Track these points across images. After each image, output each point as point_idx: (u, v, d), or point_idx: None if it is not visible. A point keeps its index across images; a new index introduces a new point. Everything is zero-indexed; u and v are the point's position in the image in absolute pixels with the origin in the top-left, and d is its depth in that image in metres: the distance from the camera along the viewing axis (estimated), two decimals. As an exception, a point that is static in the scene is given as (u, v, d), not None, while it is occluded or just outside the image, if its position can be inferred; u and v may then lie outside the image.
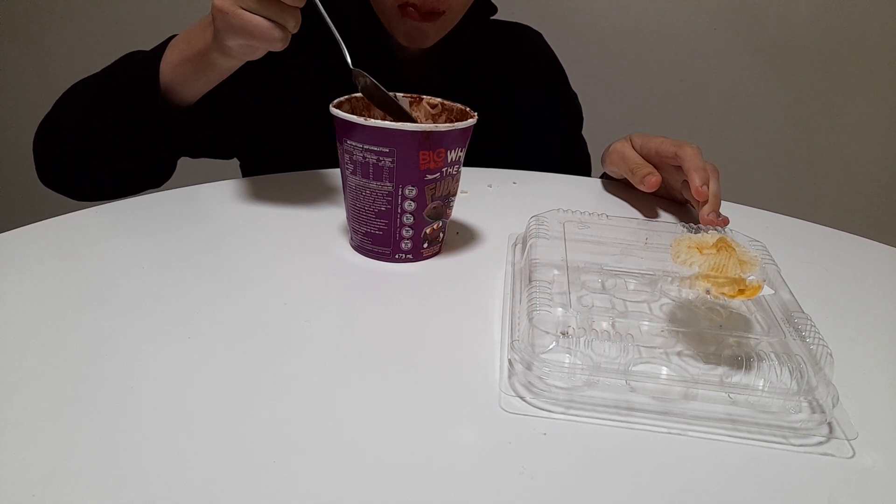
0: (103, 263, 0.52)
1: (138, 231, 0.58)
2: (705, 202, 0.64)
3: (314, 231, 0.60)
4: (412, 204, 0.53)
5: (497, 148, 0.80)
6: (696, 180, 0.64)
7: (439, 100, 0.60)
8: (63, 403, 0.37)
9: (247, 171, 0.88)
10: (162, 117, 0.64)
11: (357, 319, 0.48)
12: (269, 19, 0.54)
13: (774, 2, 1.38)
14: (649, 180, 0.69)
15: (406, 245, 0.55)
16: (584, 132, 0.98)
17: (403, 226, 0.54)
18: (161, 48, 0.64)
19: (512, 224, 0.62)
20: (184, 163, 0.73)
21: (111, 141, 0.66)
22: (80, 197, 0.71)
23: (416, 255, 0.56)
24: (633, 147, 0.75)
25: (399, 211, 0.53)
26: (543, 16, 1.05)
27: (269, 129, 0.81)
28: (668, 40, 1.44)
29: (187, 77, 0.63)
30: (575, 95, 0.97)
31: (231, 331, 0.45)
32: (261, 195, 0.67)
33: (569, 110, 0.96)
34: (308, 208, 0.65)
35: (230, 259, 0.55)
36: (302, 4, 0.54)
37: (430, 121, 0.61)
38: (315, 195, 0.68)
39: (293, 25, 0.55)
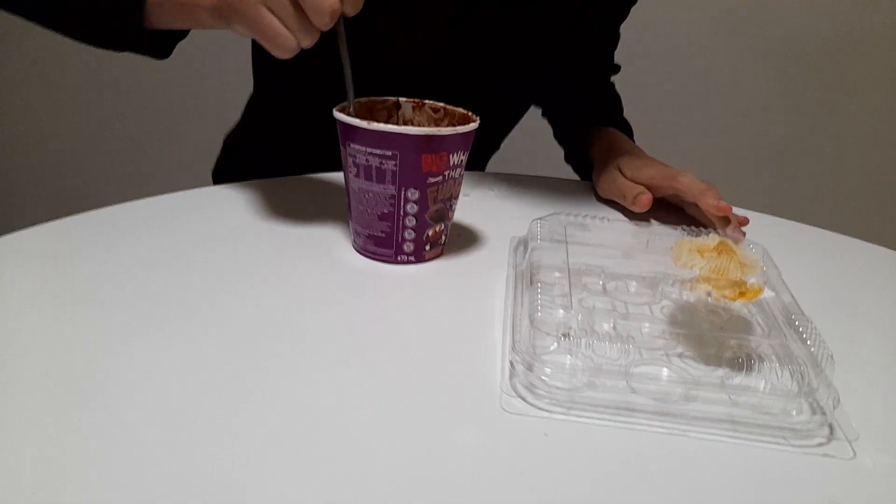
0: (103, 265, 0.52)
1: (139, 233, 0.58)
2: (725, 217, 0.63)
3: (317, 233, 0.61)
4: (415, 207, 0.53)
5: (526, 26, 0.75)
6: (710, 199, 0.64)
7: (442, 104, 0.61)
8: (63, 404, 0.37)
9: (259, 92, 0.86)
10: (140, 32, 0.59)
11: (359, 321, 0.48)
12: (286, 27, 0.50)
13: (775, 3, 1.39)
14: (641, 199, 0.69)
15: (408, 247, 0.55)
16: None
17: (406, 228, 0.54)
18: None
19: (514, 227, 0.62)
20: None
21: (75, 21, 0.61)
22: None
23: (419, 257, 0.56)
24: (622, 175, 0.73)
25: (401, 214, 0.53)
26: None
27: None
28: (669, 40, 1.44)
29: (171, 13, 0.58)
30: None
31: (232, 332, 0.45)
32: (264, 198, 0.67)
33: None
34: (310, 211, 0.65)
35: (232, 261, 0.55)
36: (328, 28, 0.51)
37: (432, 125, 0.61)
38: (317, 198, 0.68)
39: (308, 44, 0.52)
